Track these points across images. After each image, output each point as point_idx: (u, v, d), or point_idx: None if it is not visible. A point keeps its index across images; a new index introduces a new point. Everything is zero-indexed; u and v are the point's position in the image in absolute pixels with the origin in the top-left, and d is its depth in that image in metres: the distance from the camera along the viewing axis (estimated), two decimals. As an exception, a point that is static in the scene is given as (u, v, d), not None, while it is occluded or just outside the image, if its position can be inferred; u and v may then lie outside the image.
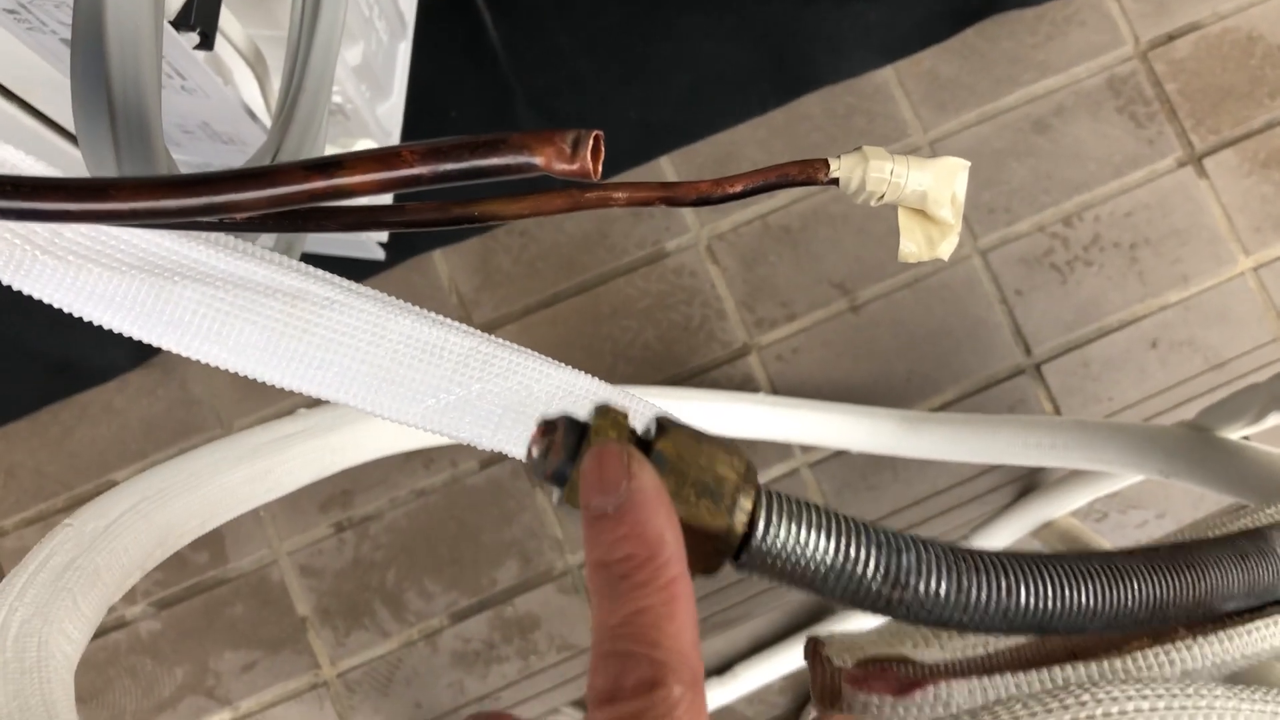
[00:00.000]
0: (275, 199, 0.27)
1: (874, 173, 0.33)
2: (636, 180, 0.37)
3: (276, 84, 0.71)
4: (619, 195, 0.33)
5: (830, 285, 1.10)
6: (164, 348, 0.34)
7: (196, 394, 1.09)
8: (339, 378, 0.35)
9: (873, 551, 0.29)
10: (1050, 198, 1.12)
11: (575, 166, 0.27)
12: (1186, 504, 1.11)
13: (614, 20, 1.12)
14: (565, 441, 0.28)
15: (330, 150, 0.84)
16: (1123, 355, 1.10)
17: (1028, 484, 1.10)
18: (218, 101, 0.65)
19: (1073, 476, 1.07)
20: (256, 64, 0.71)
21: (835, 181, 0.33)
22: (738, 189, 0.33)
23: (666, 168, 1.11)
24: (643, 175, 1.10)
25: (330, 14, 0.66)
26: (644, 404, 0.40)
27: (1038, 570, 0.30)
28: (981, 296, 1.10)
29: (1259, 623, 0.35)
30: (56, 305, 0.32)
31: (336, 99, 0.89)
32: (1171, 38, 1.14)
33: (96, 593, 0.42)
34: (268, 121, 0.72)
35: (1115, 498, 1.10)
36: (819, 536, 0.29)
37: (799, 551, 0.29)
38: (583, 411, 0.29)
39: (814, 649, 0.37)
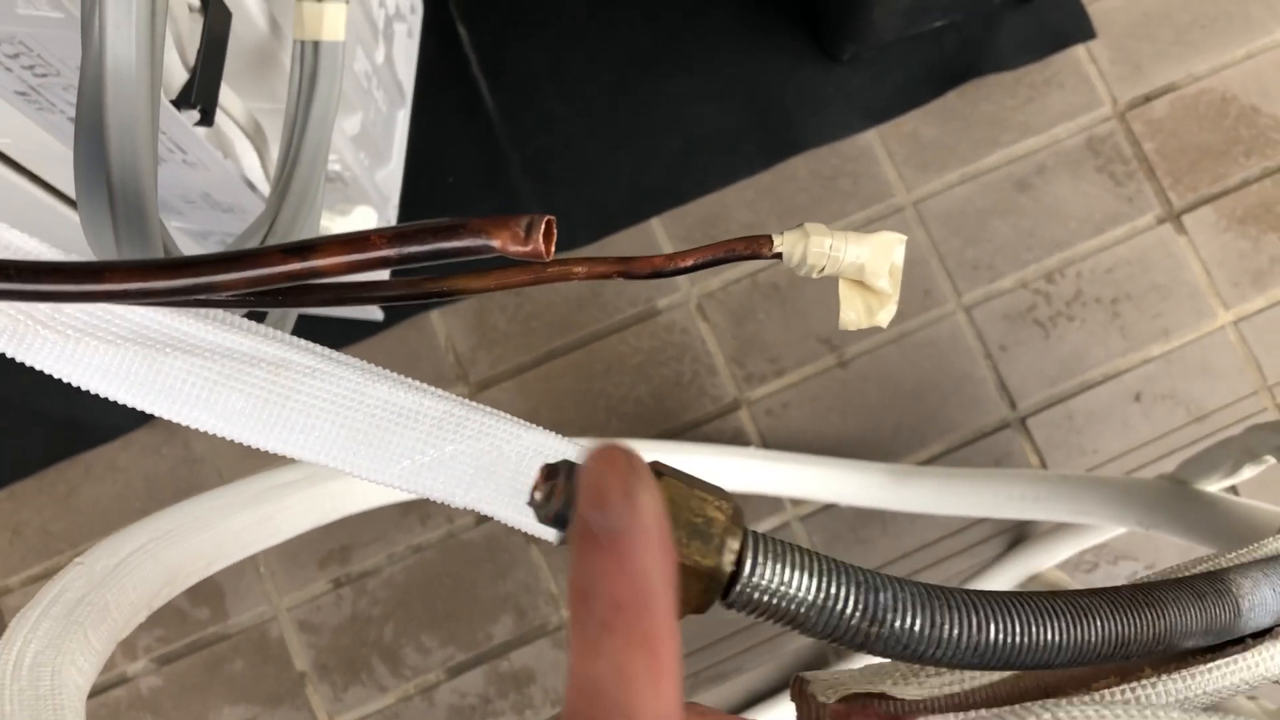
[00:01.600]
0: (254, 280, 0.30)
1: (814, 248, 0.35)
2: (596, 255, 0.40)
3: (276, 153, 0.74)
4: (578, 269, 0.36)
5: (818, 341, 1.13)
6: (156, 414, 0.36)
7: (199, 452, 1.11)
8: (319, 441, 0.37)
9: (852, 590, 0.31)
10: (1032, 255, 1.14)
11: (529, 249, 0.29)
12: (1175, 554, 1.13)
13: (605, 85, 1.16)
14: (566, 486, 0.30)
15: (328, 217, 0.87)
16: (1106, 408, 1.12)
17: (1016, 535, 1.12)
18: (218, 174, 0.68)
19: (1060, 528, 1.09)
20: (256, 136, 0.74)
21: (779, 256, 0.36)
22: (689, 263, 0.36)
23: (657, 228, 1.14)
24: (634, 236, 1.13)
25: (325, 91, 0.69)
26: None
27: (1007, 608, 0.32)
28: (966, 352, 1.13)
29: (1219, 661, 0.37)
30: (56, 375, 0.35)
31: (335, 167, 0.92)
32: (1148, 99, 1.18)
33: (106, 627, 0.45)
34: (267, 191, 0.76)
35: (1105, 549, 1.12)
36: (802, 575, 0.31)
37: (783, 590, 0.31)
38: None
39: (799, 687, 0.39)
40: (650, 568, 0.22)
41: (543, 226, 0.29)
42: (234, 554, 0.61)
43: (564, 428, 1.10)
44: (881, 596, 0.31)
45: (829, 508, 1.12)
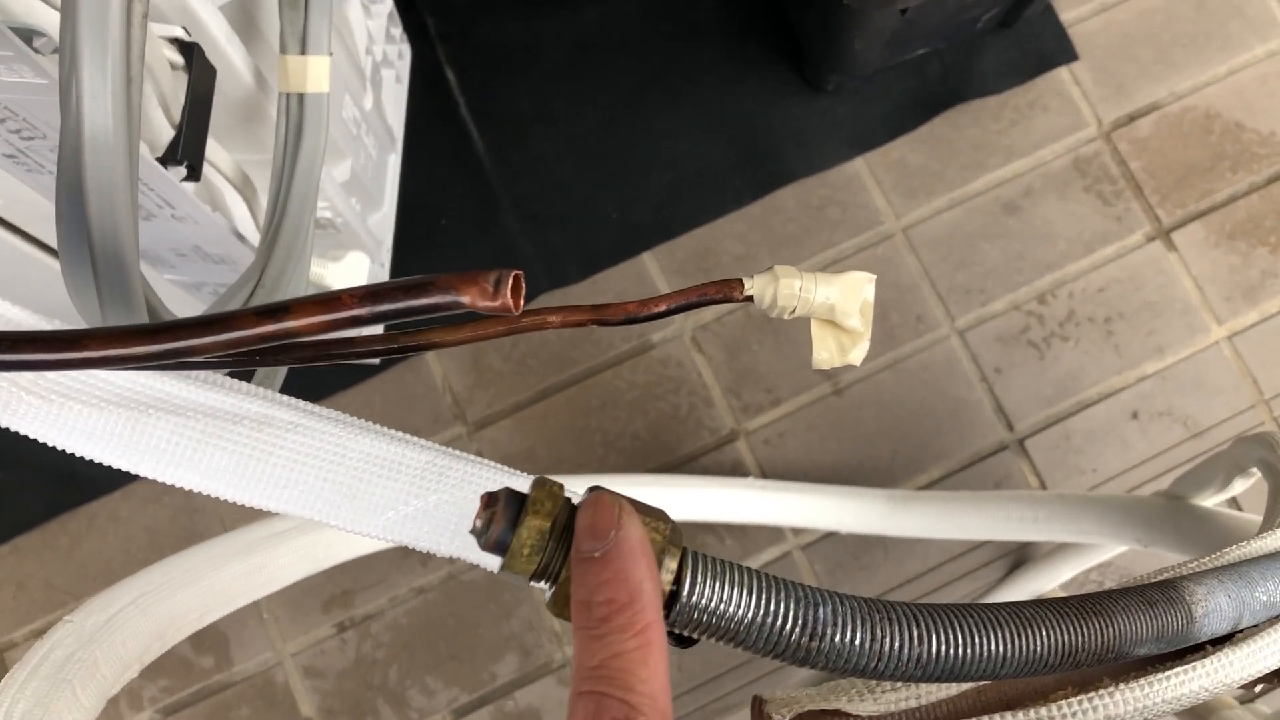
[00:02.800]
0: (230, 342, 0.30)
1: (784, 289, 0.36)
2: (569, 305, 0.40)
3: (265, 201, 0.75)
4: (553, 319, 0.36)
5: (813, 370, 1.13)
6: (140, 474, 0.36)
7: (200, 501, 1.11)
8: (303, 496, 0.37)
9: (790, 605, 0.32)
10: (1023, 277, 1.15)
11: (498, 303, 0.30)
12: (1178, 572, 1.12)
13: (593, 124, 1.17)
14: (505, 513, 0.31)
15: (320, 264, 0.88)
16: (1104, 427, 1.13)
17: (1019, 558, 1.12)
18: (207, 227, 0.69)
19: (1062, 549, 1.09)
20: (244, 188, 0.75)
21: (750, 299, 0.36)
22: (662, 309, 0.36)
23: (649, 263, 1.15)
24: (626, 272, 1.14)
25: (311, 143, 0.70)
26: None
27: (949, 620, 0.33)
28: (961, 375, 1.13)
29: (1177, 669, 0.38)
30: (40, 440, 0.35)
31: (326, 214, 0.93)
32: (1133, 118, 1.19)
33: (95, 685, 0.45)
34: (256, 241, 0.76)
35: (1109, 567, 1.12)
36: (740, 593, 0.31)
37: (722, 608, 0.31)
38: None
39: (758, 707, 0.39)
40: (639, 573, 0.28)
41: (510, 281, 0.30)
42: (227, 605, 0.61)
43: (561, 464, 1.11)
44: (821, 611, 0.32)
45: (830, 536, 1.12)
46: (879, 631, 0.32)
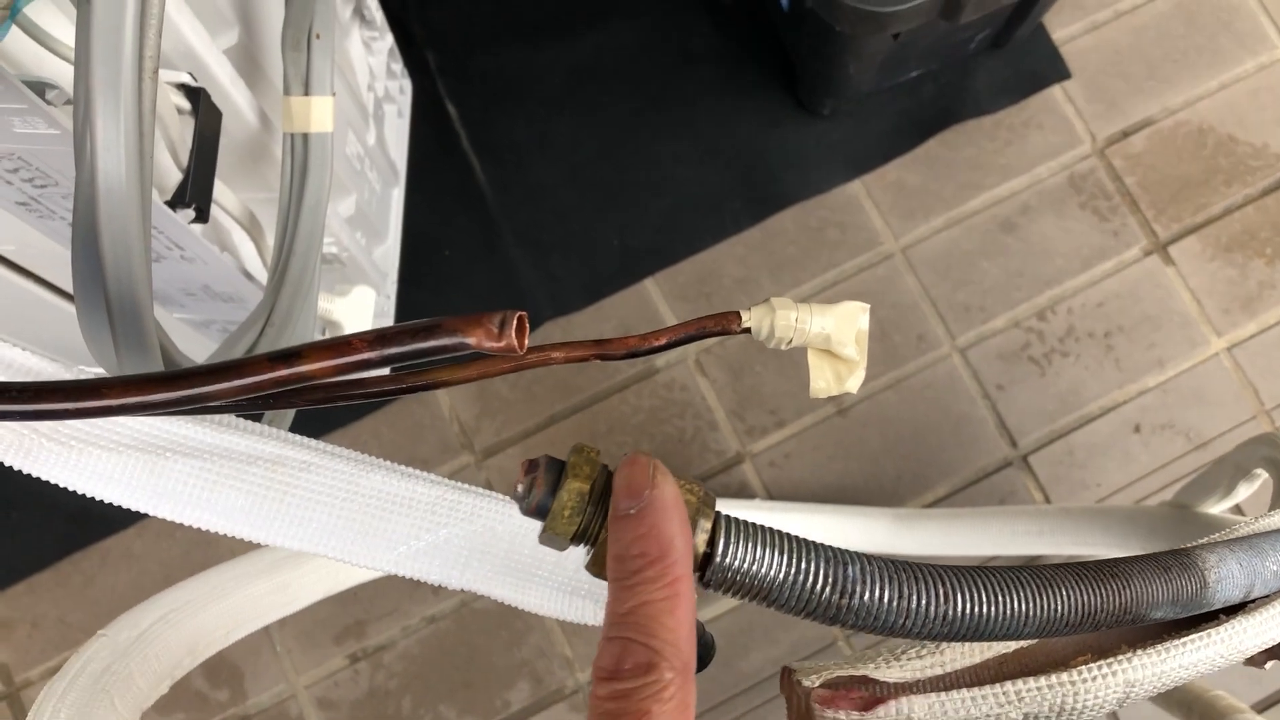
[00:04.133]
0: (245, 388, 0.31)
1: (781, 321, 0.37)
2: (572, 341, 0.41)
3: (272, 240, 0.76)
4: (557, 355, 0.37)
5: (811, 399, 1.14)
6: (159, 516, 0.37)
7: (212, 535, 1.12)
8: (318, 533, 0.38)
9: (821, 565, 0.32)
10: (1023, 294, 1.16)
11: (503, 344, 0.31)
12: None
13: (591, 153, 1.18)
14: (546, 478, 0.32)
15: (327, 299, 0.89)
16: (1107, 441, 1.13)
17: (1026, 573, 1.12)
18: (215, 267, 0.70)
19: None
20: (251, 227, 0.76)
21: (748, 330, 0.37)
22: (662, 342, 0.37)
23: (651, 288, 1.16)
24: (629, 298, 1.15)
25: (316, 181, 0.71)
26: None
27: (973, 579, 0.34)
28: (964, 393, 1.14)
29: (1193, 636, 0.39)
30: (60, 484, 0.36)
31: (332, 249, 0.94)
32: (1126, 134, 1.20)
33: (131, 696, 0.46)
34: (264, 279, 0.78)
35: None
36: (773, 553, 0.32)
37: (755, 568, 0.32)
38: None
39: (785, 676, 0.40)
40: (671, 529, 0.29)
41: (515, 321, 0.31)
42: (253, 622, 0.62)
43: (570, 491, 1.11)
44: (850, 570, 0.32)
45: (837, 556, 1.12)
46: (906, 589, 0.33)
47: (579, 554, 0.40)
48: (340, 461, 0.39)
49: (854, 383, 0.38)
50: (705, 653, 0.37)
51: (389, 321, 1.13)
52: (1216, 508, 0.86)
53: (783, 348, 0.37)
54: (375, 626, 1.11)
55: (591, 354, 0.38)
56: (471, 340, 0.31)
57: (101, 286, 0.40)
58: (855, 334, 0.38)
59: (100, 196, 0.38)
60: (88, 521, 1.13)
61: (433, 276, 1.16)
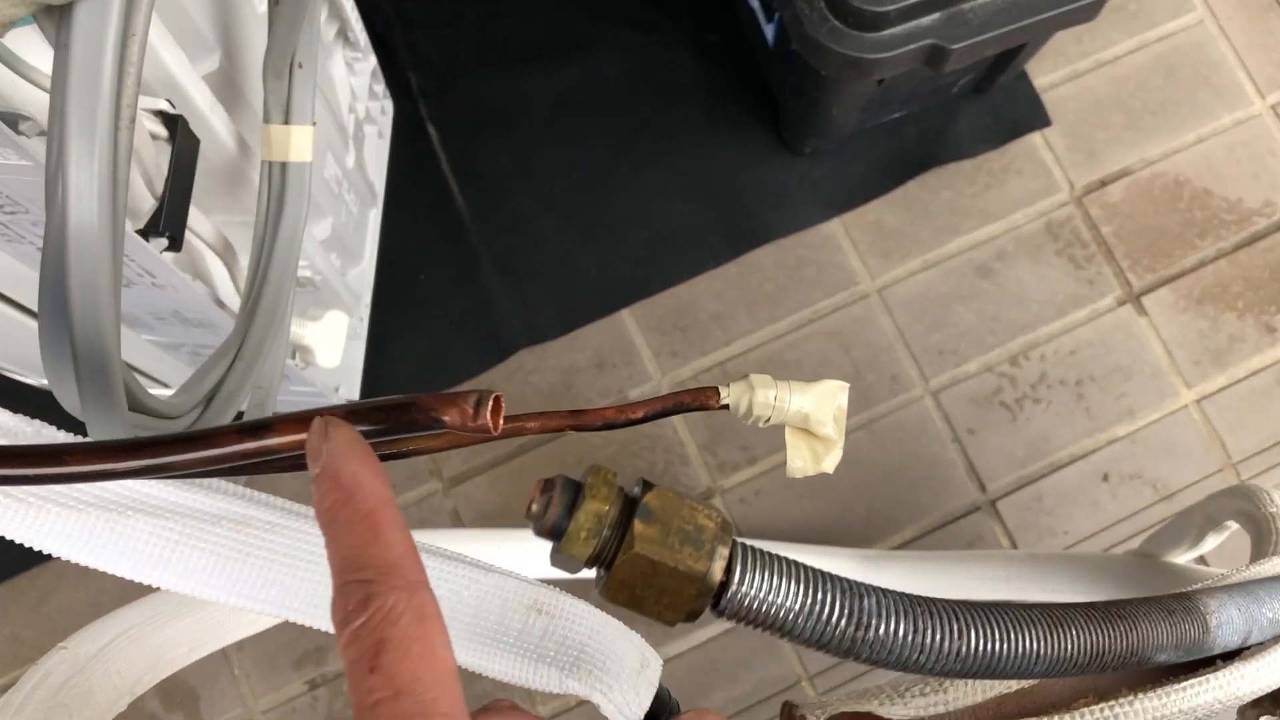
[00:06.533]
0: (210, 459, 0.30)
1: (759, 399, 0.36)
2: (549, 409, 0.41)
3: (245, 264, 0.75)
4: (531, 425, 0.36)
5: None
6: (117, 574, 0.36)
7: (172, 554, 1.11)
8: (281, 595, 0.38)
9: (838, 596, 0.32)
10: (996, 339, 1.16)
11: (478, 424, 0.30)
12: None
13: (572, 182, 1.18)
14: (561, 498, 0.32)
15: (299, 324, 0.88)
16: (1075, 489, 1.14)
17: (991, 618, 1.12)
18: (187, 295, 0.69)
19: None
20: (225, 253, 0.75)
21: (726, 407, 0.37)
22: (639, 415, 0.37)
23: (628, 319, 1.15)
24: (605, 328, 1.15)
25: (293, 211, 0.71)
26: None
27: (987, 616, 0.33)
28: (935, 436, 1.14)
29: (1191, 681, 0.39)
30: (17, 541, 0.35)
31: (306, 273, 0.93)
32: (1104, 183, 1.21)
33: (90, 712, 0.45)
34: (236, 306, 0.77)
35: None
36: (789, 583, 0.32)
37: (771, 597, 0.32)
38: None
39: (788, 712, 0.40)
40: (350, 467, 0.28)
41: (490, 403, 0.30)
42: (216, 640, 0.60)
43: (538, 522, 1.10)
44: (866, 602, 0.32)
45: (804, 595, 1.12)
46: (920, 624, 0.32)
47: (543, 623, 0.40)
48: (307, 523, 0.38)
49: (830, 462, 0.38)
50: (661, 708, 0.37)
51: (361, 346, 1.12)
52: (1183, 558, 0.87)
53: (760, 425, 0.37)
54: (336, 653, 1.09)
55: (567, 425, 0.37)
56: (447, 419, 0.30)
57: (68, 333, 0.39)
58: (834, 412, 0.38)
59: (70, 244, 0.38)
60: (45, 536, 1.11)
61: (407, 300, 1.15)
